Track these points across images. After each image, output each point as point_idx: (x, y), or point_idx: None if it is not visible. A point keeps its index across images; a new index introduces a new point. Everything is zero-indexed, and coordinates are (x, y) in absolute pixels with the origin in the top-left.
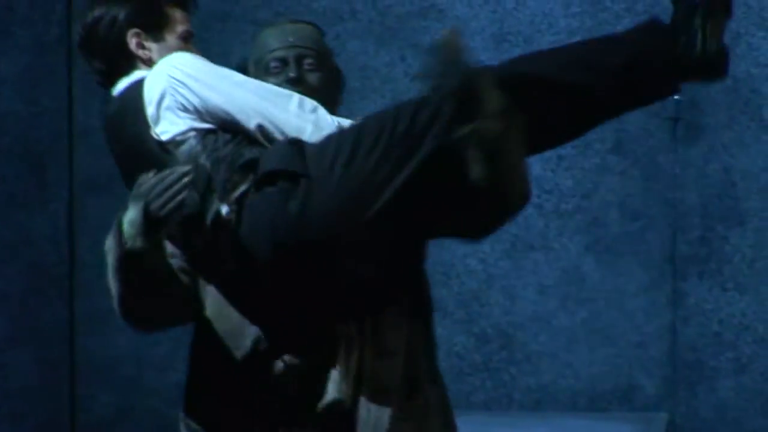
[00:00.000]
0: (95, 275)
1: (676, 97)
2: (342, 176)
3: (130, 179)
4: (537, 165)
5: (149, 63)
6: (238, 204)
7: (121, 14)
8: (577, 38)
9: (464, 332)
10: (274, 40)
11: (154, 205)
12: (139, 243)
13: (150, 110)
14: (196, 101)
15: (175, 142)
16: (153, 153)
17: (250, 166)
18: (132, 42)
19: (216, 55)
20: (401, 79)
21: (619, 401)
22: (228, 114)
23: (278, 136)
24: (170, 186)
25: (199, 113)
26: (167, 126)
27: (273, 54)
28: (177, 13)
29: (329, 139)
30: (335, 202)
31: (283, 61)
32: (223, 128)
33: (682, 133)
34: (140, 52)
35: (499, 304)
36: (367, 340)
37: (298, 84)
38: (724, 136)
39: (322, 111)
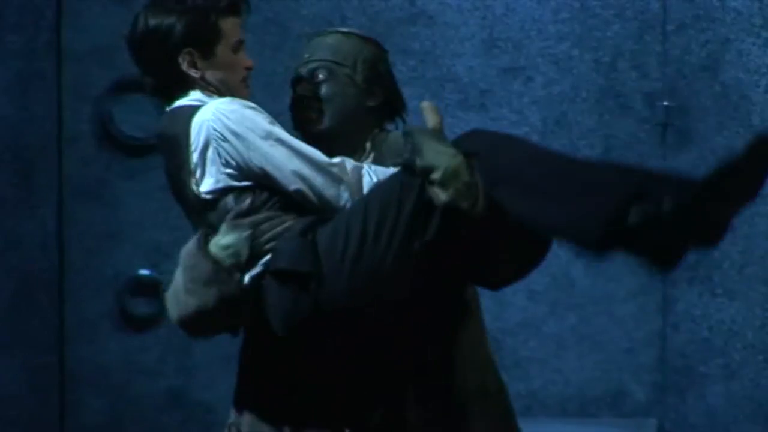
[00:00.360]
0: (85, 281)
1: (665, 103)
2: (351, 272)
3: (175, 197)
4: None
5: (200, 82)
6: (256, 279)
7: (176, 30)
8: (566, 44)
9: None
10: (301, 57)
11: (263, 239)
12: (234, 284)
13: (194, 156)
14: (237, 158)
15: (212, 199)
16: (190, 196)
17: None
18: (185, 63)
19: None
20: None
21: (609, 407)
22: (267, 176)
23: (315, 201)
24: (276, 225)
25: (240, 170)
26: (207, 178)
27: (294, 74)
28: (228, 23)
29: (340, 224)
30: (345, 297)
31: (300, 80)
32: (260, 187)
33: (672, 139)
34: (192, 72)
35: (488, 310)
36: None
37: (302, 101)
38: (713, 142)
39: (362, 172)
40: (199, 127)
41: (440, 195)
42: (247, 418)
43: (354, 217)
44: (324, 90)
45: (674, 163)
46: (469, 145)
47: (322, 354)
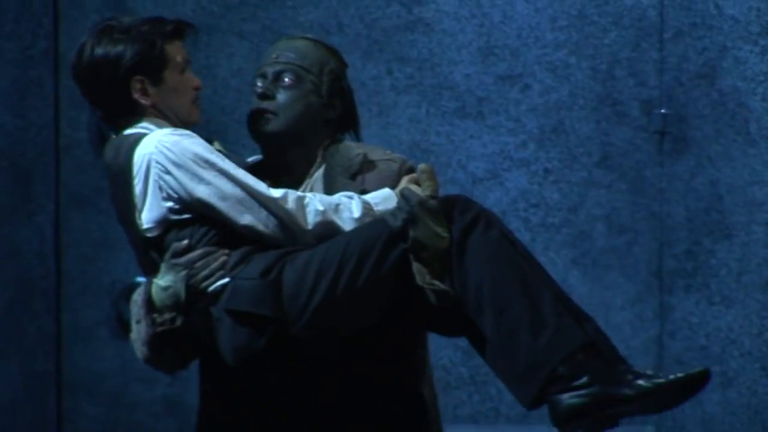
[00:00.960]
0: (81, 288)
1: (662, 110)
2: (311, 319)
3: (121, 222)
4: (524, 178)
5: (151, 109)
6: (205, 314)
7: (125, 59)
8: (563, 52)
9: (451, 346)
10: (266, 56)
11: (199, 277)
12: (178, 321)
13: (137, 187)
14: (180, 190)
15: (153, 237)
16: (135, 229)
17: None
18: (136, 89)
19: (202, 68)
20: (388, 93)
21: None
22: (210, 207)
23: (260, 230)
24: (212, 261)
25: (183, 202)
26: (148, 213)
27: (259, 70)
28: (174, 47)
29: (309, 268)
30: (301, 339)
31: (264, 77)
32: (200, 220)
33: (669, 146)
34: (143, 100)
35: None
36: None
37: (263, 99)
38: (710, 149)
39: (306, 202)
40: (141, 160)
41: (424, 275)
42: None
43: (327, 263)
44: (287, 93)
45: (671, 170)
46: (459, 227)
47: (275, 382)
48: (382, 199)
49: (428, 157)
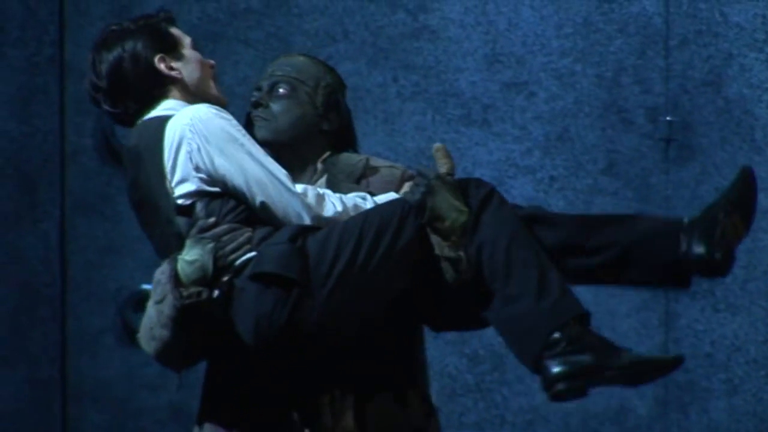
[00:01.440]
0: (86, 295)
1: (668, 118)
2: (333, 288)
3: (138, 207)
4: (529, 186)
5: (182, 82)
6: (228, 286)
7: (140, 46)
8: (569, 59)
9: (456, 353)
10: (264, 72)
11: (226, 250)
12: (204, 294)
13: (168, 161)
14: (208, 163)
15: (184, 204)
16: (163, 201)
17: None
18: (161, 66)
19: None
20: (393, 100)
21: (611, 422)
22: (234, 186)
23: (280, 215)
24: (238, 236)
25: (209, 175)
26: (180, 181)
27: (256, 84)
28: (176, 30)
29: (331, 238)
30: (321, 312)
31: (259, 89)
32: (228, 195)
33: (675, 154)
34: (173, 73)
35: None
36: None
37: (256, 107)
38: (716, 157)
39: (327, 199)
40: (173, 132)
41: (443, 247)
42: (207, 430)
43: (347, 235)
44: (281, 102)
45: (677, 177)
46: (475, 202)
47: (285, 369)
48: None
49: (434, 165)
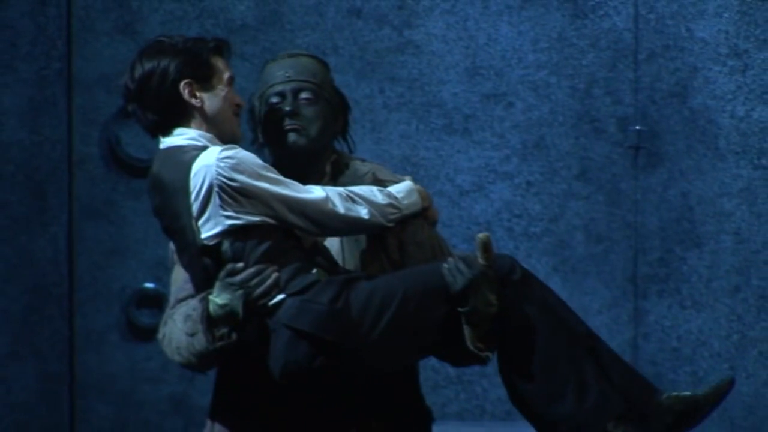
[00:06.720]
0: (93, 294)
1: (637, 127)
2: (369, 348)
3: (167, 233)
4: (507, 191)
5: (201, 111)
6: (260, 327)
7: (173, 66)
8: (544, 72)
9: None
10: (275, 75)
11: (255, 295)
12: (235, 336)
13: (195, 203)
14: (240, 199)
15: (211, 245)
16: (189, 235)
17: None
18: (185, 92)
19: None
20: (380, 110)
21: None
22: (269, 213)
23: (314, 231)
24: (266, 279)
25: (240, 211)
26: (207, 224)
27: (273, 89)
28: (219, 62)
29: (371, 303)
30: (356, 369)
31: (282, 96)
32: (254, 231)
33: (643, 161)
34: (193, 101)
35: None
36: None
37: (294, 117)
38: (682, 164)
39: (355, 206)
40: (201, 172)
41: (473, 340)
42: (218, 429)
43: (388, 301)
44: (309, 110)
45: (645, 183)
46: (513, 291)
47: (309, 401)
48: (406, 192)
49: (418, 171)
